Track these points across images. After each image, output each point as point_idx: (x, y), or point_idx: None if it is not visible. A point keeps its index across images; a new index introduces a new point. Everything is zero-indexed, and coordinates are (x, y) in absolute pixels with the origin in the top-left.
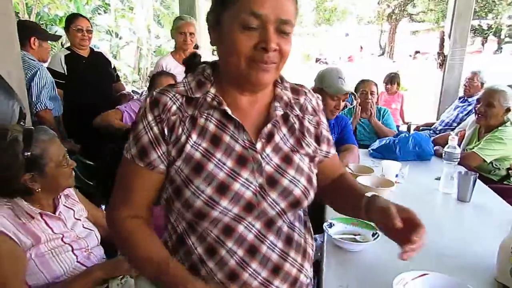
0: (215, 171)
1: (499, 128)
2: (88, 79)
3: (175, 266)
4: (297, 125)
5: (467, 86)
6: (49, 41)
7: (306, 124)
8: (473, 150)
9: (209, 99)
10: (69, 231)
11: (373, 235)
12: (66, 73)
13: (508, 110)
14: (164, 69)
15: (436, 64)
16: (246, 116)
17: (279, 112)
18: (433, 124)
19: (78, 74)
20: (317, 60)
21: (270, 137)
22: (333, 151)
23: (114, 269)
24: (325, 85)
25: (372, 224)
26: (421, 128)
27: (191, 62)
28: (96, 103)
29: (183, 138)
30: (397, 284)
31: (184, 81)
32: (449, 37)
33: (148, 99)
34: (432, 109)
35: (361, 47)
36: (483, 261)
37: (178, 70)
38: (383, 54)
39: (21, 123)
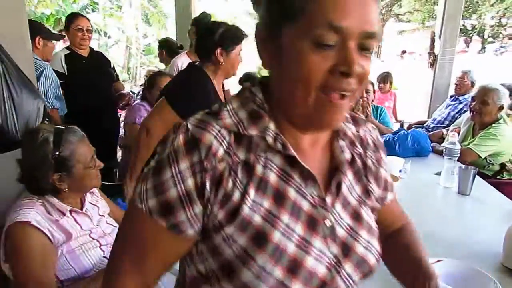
0: (284, 243)
1: (493, 125)
2: (89, 79)
3: None
4: (361, 167)
5: (458, 85)
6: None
7: (369, 164)
8: (468, 146)
9: (270, 140)
10: (95, 227)
11: None
12: (66, 73)
13: (501, 107)
14: (180, 69)
15: (427, 63)
16: (309, 162)
17: (348, 155)
18: (425, 122)
19: (78, 74)
20: None
21: (338, 188)
22: (390, 196)
23: None
24: None
25: None
26: (413, 126)
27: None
28: (96, 103)
29: (237, 195)
30: None
31: (228, 108)
32: (439, 37)
33: (181, 136)
34: (423, 107)
35: None
36: (488, 248)
37: None
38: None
39: (45, 121)
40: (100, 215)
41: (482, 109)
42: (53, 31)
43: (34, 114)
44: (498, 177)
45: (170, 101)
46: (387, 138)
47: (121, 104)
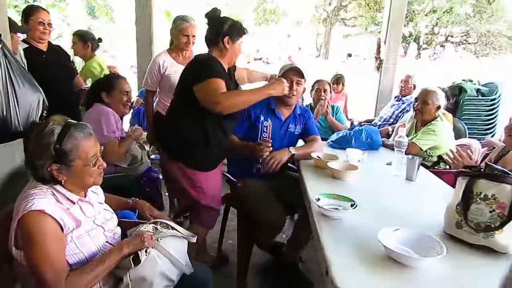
0: None
1: (432, 122)
2: (49, 74)
3: None
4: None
5: (404, 87)
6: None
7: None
8: (412, 140)
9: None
10: (97, 213)
11: (352, 205)
12: (26, 68)
13: (438, 107)
14: (161, 67)
15: (374, 67)
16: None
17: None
18: (372, 120)
19: (38, 69)
20: (256, 59)
21: None
22: None
23: (140, 244)
24: (280, 73)
25: (351, 195)
26: (362, 123)
27: None
28: (57, 99)
29: None
30: (382, 237)
31: None
32: (385, 43)
33: None
34: (370, 106)
35: (299, 48)
36: (433, 220)
37: (174, 68)
38: (319, 55)
39: (44, 113)
40: (99, 203)
41: (423, 109)
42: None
43: (35, 106)
44: (436, 167)
45: (212, 76)
46: (344, 134)
47: (82, 100)
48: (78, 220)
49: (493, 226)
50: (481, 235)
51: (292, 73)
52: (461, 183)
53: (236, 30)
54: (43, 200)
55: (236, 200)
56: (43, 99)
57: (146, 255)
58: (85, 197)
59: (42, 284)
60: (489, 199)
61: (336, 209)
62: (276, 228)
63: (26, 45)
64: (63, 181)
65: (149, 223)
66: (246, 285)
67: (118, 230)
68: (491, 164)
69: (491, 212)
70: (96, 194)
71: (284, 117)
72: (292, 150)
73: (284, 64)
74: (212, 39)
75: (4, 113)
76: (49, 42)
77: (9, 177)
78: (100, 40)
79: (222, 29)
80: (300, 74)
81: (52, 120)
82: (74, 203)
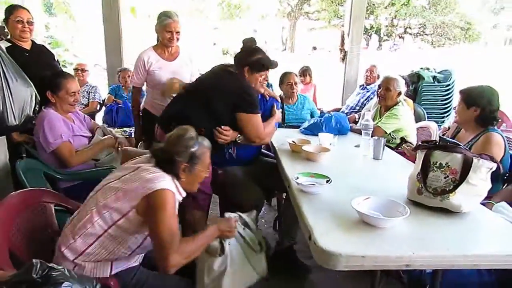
0: None
1: (395, 107)
2: (32, 73)
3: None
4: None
5: (369, 76)
6: None
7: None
8: (377, 124)
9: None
10: None
11: (327, 181)
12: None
13: (400, 93)
14: (146, 63)
15: (339, 58)
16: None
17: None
18: (340, 109)
19: (21, 68)
20: (224, 53)
21: None
22: None
23: (227, 231)
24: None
25: (325, 174)
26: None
27: None
28: (41, 97)
29: None
30: (354, 204)
31: None
32: (348, 35)
33: None
34: (337, 96)
35: (266, 42)
36: (397, 191)
37: (159, 64)
38: (285, 49)
39: (36, 107)
40: None
41: (386, 95)
42: None
43: (28, 100)
44: (399, 148)
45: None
46: (316, 121)
47: None
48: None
49: (447, 189)
50: (438, 198)
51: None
52: (420, 155)
53: (259, 64)
54: (168, 183)
55: (218, 186)
56: (35, 93)
57: (228, 244)
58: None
59: (160, 245)
60: (444, 167)
61: (313, 185)
62: (256, 209)
63: (9, 44)
64: (183, 178)
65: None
66: None
67: None
68: (444, 137)
69: (445, 178)
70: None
71: None
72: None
73: None
74: (237, 63)
75: (1, 108)
76: (32, 41)
77: None
78: (3, 28)
79: (247, 60)
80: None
81: (189, 129)
82: (182, 196)
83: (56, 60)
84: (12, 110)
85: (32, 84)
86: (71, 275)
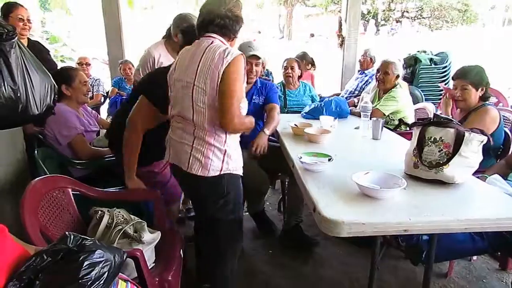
0: None
1: (392, 90)
2: None
3: None
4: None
5: (362, 61)
6: None
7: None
8: (376, 107)
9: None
10: None
11: (329, 160)
12: None
13: (397, 76)
14: (157, 62)
15: (337, 44)
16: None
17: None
18: (339, 94)
19: None
20: None
21: None
22: None
23: None
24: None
25: (327, 153)
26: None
27: None
28: None
29: None
30: (355, 178)
31: None
32: (345, 21)
33: None
34: (336, 81)
35: (259, 32)
36: (395, 167)
37: (169, 62)
38: (283, 37)
39: (55, 97)
40: None
41: (385, 78)
42: None
43: (48, 91)
44: (398, 129)
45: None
46: (317, 105)
47: None
48: None
49: (441, 162)
50: (433, 171)
51: (250, 57)
52: (416, 131)
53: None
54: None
55: None
56: (54, 84)
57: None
58: None
59: (228, 111)
60: (438, 141)
61: (316, 163)
62: (262, 193)
63: None
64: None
65: None
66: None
67: None
68: (438, 114)
69: (439, 152)
70: None
71: (246, 90)
72: (267, 131)
73: (242, 43)
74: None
75: (25, 98)
76: (28, 38)
77: (13, 161)
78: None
79: None
80: (257, 56)
81: None
82: None
83: (51, 55)
84: (34, 100)
85: (50, 75)
86: (102, 244)
